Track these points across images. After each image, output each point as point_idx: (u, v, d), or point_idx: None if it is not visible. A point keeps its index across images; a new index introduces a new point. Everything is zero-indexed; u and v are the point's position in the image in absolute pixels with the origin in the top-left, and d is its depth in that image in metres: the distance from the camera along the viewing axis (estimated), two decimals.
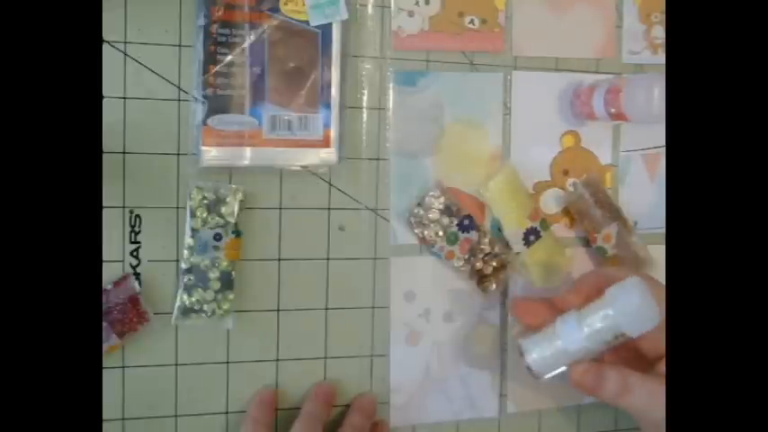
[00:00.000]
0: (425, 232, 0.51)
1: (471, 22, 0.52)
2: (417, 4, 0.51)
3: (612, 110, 0.49)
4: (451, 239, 0.51)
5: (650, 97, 0.45)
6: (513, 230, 0.52)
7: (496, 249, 0.52)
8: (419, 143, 0.52)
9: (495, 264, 0.52)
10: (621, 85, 0.48)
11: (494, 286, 0.53)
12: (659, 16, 0.57)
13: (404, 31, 0.51)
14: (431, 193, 0.51)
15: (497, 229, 0.53)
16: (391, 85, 0.51)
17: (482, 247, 0.52)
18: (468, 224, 0.51)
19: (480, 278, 0.52)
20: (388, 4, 0.51)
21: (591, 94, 0.51)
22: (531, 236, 0.52)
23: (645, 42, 0.56)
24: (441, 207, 0.51)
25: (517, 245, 0.52)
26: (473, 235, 0.52)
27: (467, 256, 0.52)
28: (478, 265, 0.52)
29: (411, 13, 0.51)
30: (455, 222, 0.51)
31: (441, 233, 0.51)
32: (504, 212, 0.52)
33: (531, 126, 0.54)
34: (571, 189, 0.55)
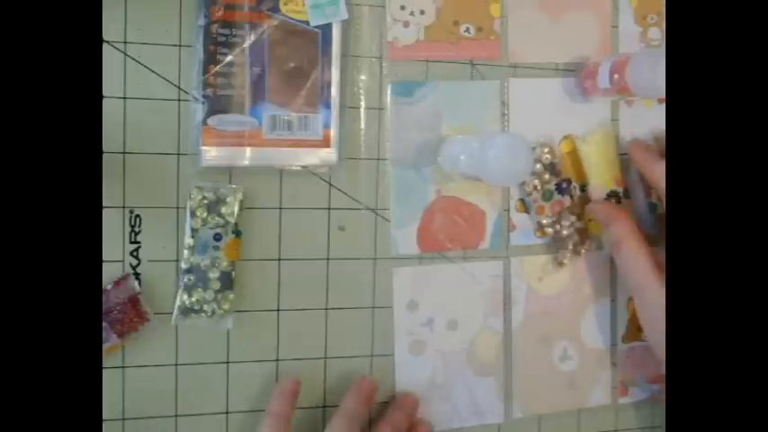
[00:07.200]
0: (526, 180, 0.52)
1: (467, 30, 0.52)
2: (413, 14, 0.51)
3: (616, 75, 0.49)
4: (546, 196, 0.52)
5: (655, 69, 0.45)
6: (599, 188, 0.53)
7: (580, 224, 0.54)
8: (418, 153, 0.52)
9: (576, 239, 0.54)
10: (629, 58, 0.49)
11: (566, 260, 0.54)
12: (655, 18, 0.57)
13: (399, 41, 0.51)
14: (542, 146, 0.52)
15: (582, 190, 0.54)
16: (389, 97, 0.51)
17: (571, 217, 0.53)
18: (565, 187, 0.53)
19: (559, 247, 0.54)
20: (384, 12, 0.50)
21: (598, 66, 0.51)
22: (612, 198, 0.54)
23: (641, 44, 0.56)
24: (546, 162, 0.52)
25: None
26: (566, 200, 0.53)
27: (553, 219, 0.53)
28: (564, 232, 0.53)
29: (406, 24, 0.51)
30: (554, 182, 0.52)
31: (539, 186, 0.52)
32: (595, 167, 0.53)
33: (529, 132, 0.54)
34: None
